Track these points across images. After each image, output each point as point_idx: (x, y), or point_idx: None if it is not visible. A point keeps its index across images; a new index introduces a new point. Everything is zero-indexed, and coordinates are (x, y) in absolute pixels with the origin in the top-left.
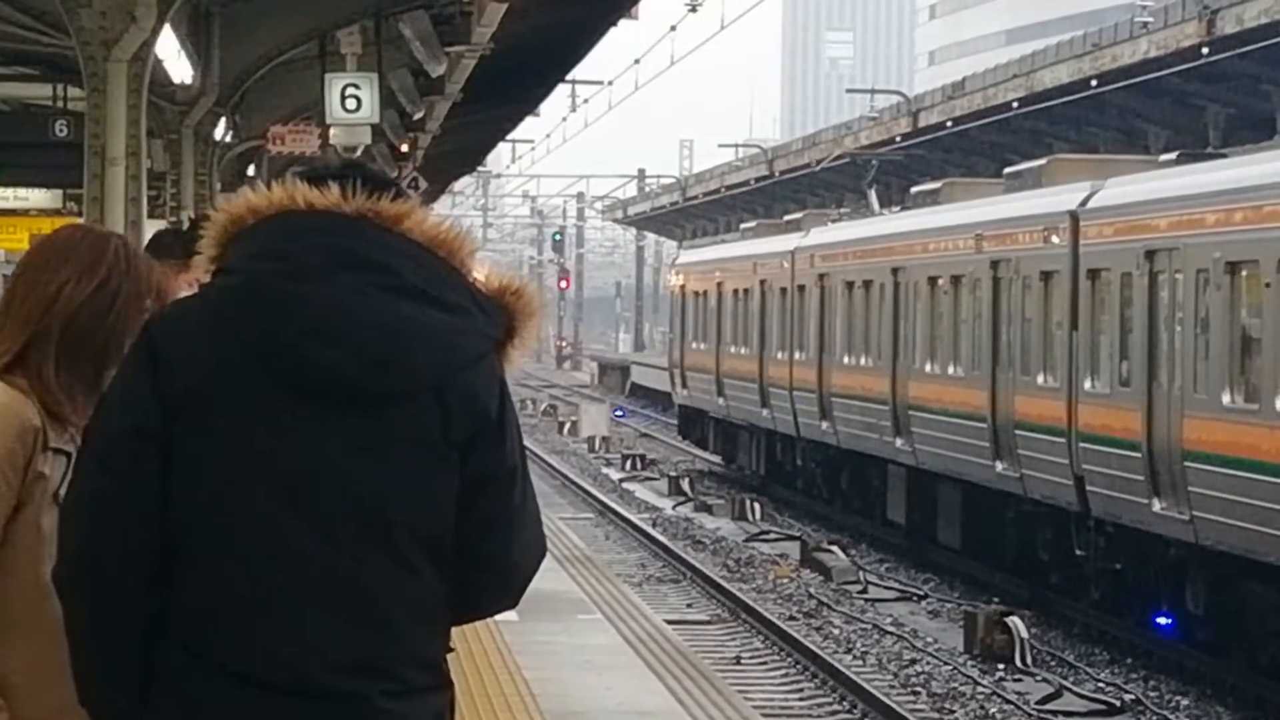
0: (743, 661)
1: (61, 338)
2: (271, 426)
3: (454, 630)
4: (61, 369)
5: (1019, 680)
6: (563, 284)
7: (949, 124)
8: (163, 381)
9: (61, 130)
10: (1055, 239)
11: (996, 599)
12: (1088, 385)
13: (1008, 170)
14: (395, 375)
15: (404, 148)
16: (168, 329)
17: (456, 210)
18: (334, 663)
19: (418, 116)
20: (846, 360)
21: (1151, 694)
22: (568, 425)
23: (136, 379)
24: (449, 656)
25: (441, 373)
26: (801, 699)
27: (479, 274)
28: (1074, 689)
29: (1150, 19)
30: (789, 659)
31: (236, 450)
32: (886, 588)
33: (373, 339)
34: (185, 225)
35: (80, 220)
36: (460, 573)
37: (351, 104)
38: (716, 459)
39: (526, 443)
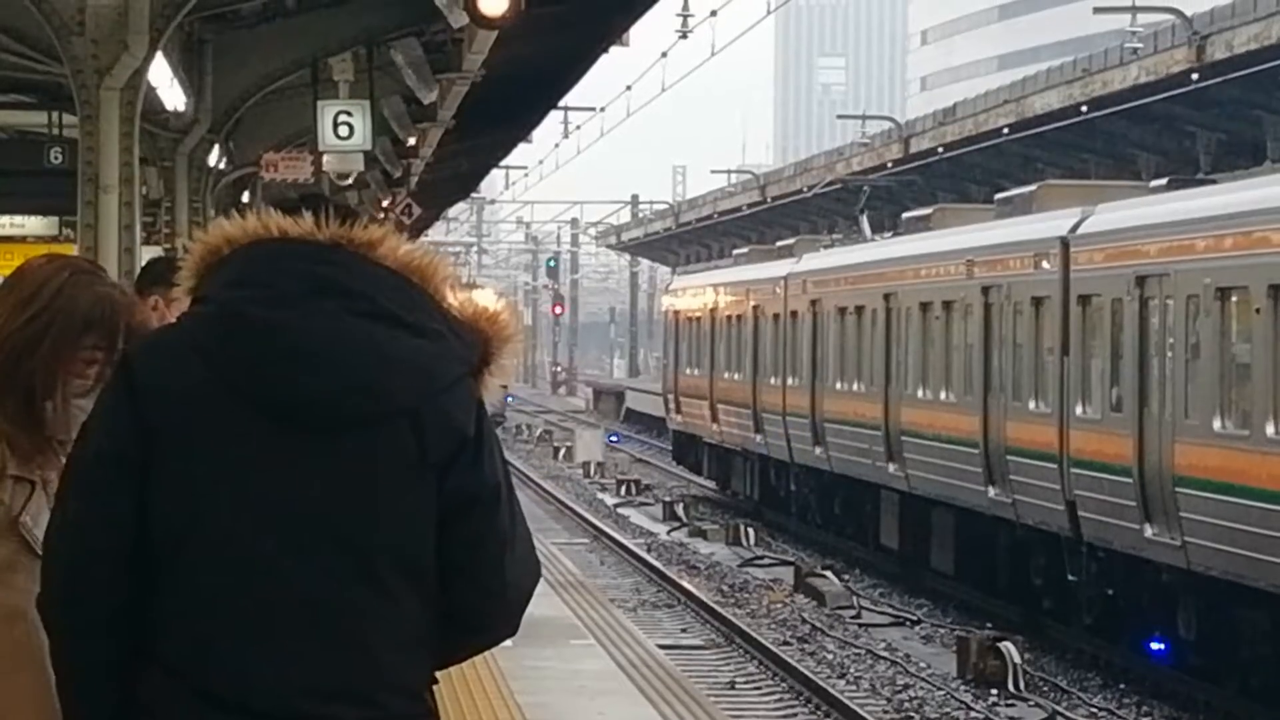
0: (737, 686)
1: None
2: (250, 453)
3: None
4: None
5: (1012, 705)
6: (557, 310)
7: (940, 150)
8: (141, 410)
9: (56, 157)
10: (1046, 264)
11: (989, 624)
12: (1079, 411)
13: (999, 196)
14: (372, 400)
15: (396, 174)
16: (146, 358)
17: (451, 236)
18: (313, 689)
19: (411, 143)
20: (839, 386)
21: (1144, 719)
22: (562, 451)
23: (116, 408)
24: (435, 687)
25: (418, 397)
26: None
27: (453, 299)
28: (1067, 714)
29: (1140, 45)
30: (783, 684)
31: (215, 477)
32: (880, 613)
33: (350, 365)
34: (180, 253)
35: (73, 247)
36: (458, 600)
37: (344, 131)
38: (711, 484)
39: (522, 468)
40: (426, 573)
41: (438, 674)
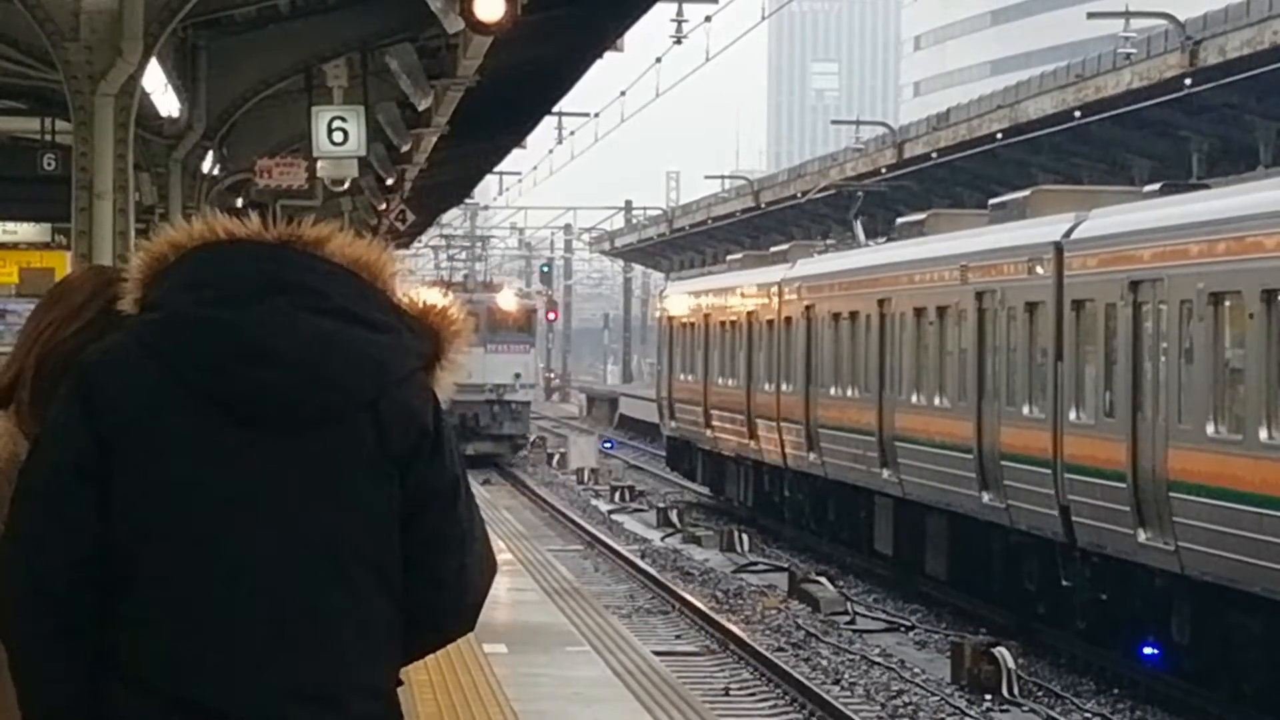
0: (731, 693)
1: (35, 377)
2: (209, 454)
3: (443, 662)
4: (35, 408)
5: (1006, 711)
6: (550, 316)
7: (934, 155)
8: (96, 418)
9: (50, 164)
10: (1040, 270)
11: (983, 629)
12: (1073, 416)
13: (992, 201)
14: (330, 394)
15: (391, 180)
16: (98, 365)
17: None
18: (283, 691)
19: (405, 149)
20: (833, 391)
21: None
22: (556, 457)
23: (70, 417)
24: (416, 690)
25: (375, 389)
26: None
27: (402, 295)
28: (1061, 719)
29: (1133, 50)
30: (777, 690)
31: (177, 480)
32: (874, 619)
33: (305, 360)
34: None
35: (67, 255)
36: (416, 597)
37: (339, 136)
38: (705, 490)
39: (516, 474)
40: (392, 570)
41: (432, 679)
